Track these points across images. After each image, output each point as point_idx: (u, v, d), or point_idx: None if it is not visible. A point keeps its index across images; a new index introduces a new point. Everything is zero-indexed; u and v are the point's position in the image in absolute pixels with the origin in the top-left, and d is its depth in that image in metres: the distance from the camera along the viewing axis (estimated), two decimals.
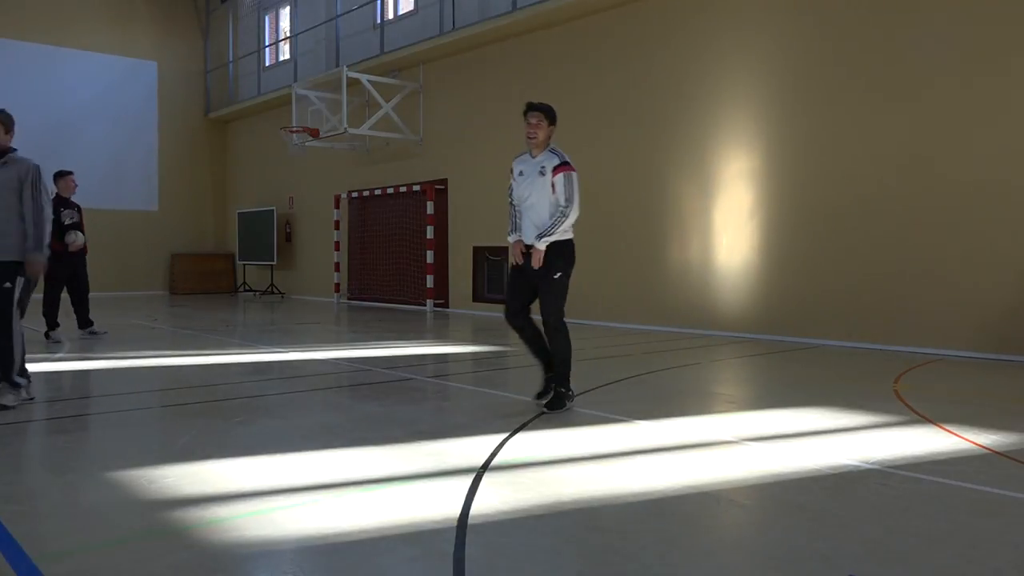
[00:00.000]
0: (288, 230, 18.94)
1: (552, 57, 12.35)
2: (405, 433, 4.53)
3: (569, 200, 5.02)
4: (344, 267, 16.84)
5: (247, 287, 20.13)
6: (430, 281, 14.31)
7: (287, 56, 19.23)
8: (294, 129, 15.35)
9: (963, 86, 8.09)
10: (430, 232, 14.24)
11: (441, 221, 14.32)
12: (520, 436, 4.46)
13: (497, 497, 3.31)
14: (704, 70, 10.34)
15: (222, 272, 20.74)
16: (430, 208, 14.21)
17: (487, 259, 13.58)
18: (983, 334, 7.92)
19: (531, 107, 5.15)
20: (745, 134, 9.92)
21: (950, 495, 3.39)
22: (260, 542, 2.79)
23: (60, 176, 9.48)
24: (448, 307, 14.42)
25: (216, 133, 21.36)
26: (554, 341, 5.22)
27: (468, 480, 3.54)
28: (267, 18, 20.18)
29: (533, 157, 5.16)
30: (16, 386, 5.19)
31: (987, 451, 4.14)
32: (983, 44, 7.98)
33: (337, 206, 16.70)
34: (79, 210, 9.46)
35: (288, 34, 19.35)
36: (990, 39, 7.93)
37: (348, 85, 14.09)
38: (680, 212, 10.62)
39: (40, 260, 5.17)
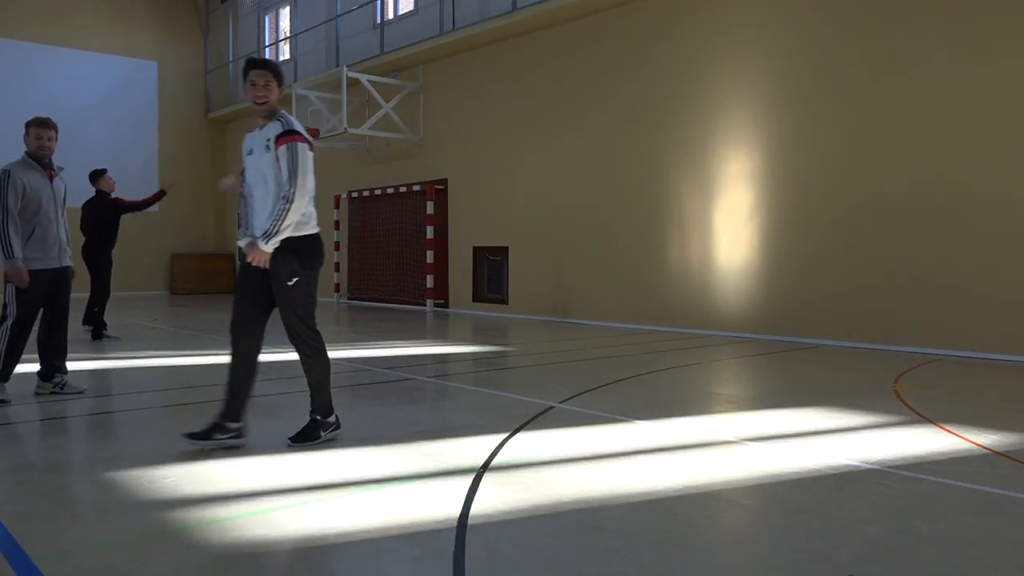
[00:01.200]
0: None
1: (552, 57, 12.35)
2: (405, 433, 4.53)
3: (292, 179, 3.92)
4: (344, 267, 16.85)
5: None
6: (430, 281, 14.31)
7: (287, 56, 19.23)
8: None
9: (964, 86, 8.08)
10: (430, 232, 14.24)
11: (441, 221, 14.32)
12: (520, 436, 4.46)
13: (497, 497, 3.31)
14: (704, 69, 10.35)
15: (222, 272, 20.75)
16: (430, 208, 14.21)
17: (487, 259, 13.59)
18: (983, 334, 7.92)
19: (254, 64, 4.10)
20: (745, 133, 9.92)
21: (950, 495, 3.39)
22: (260, 542, 2.79)
23: (100, 175, 9.46)
24: (448, 307, 14.42)
25: (216, 133, 21.36)
26: (306, 361, 4.27)
27: (468, 480, 3.54)
28: (267, 18, 20.19)
29: (261, 129, 4.14)
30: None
31: (987, 451, 4.14)
32: (986, 44, 7.98)
33: (337, 206, 16.70)
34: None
35: (288, 34, 19.36)
36: (994, 40, 7.93)
37: (348, 85, 14.09)
38: (680, 212, 10.62)
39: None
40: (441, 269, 14.39)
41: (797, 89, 9.43)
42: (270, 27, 20.22)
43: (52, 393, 5.58)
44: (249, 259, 4.00)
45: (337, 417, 4.37)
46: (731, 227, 10.07)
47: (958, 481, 3.58)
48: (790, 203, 9.50)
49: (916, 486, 3.52)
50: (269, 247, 3.95)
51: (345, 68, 14.19)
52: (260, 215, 4.06)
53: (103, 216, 9.40)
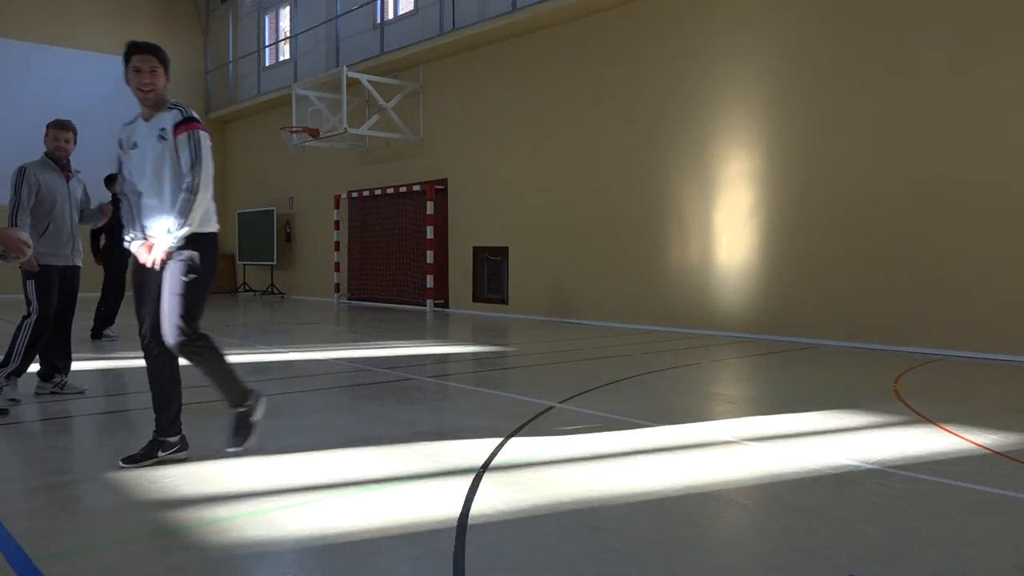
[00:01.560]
0: (288, 230, 18.94)
1: (552, 57, 12.35)
2: (405, 433, 4.52)
3: (196, 169, 3.64)
4: (344, 267, 16.85)
5: (247, 287, 20.13)
6: (430, 281, 14.32)
7: (287, 56, 19.24)
8: (294, 129, 15.36)
9: (963, 86, 8.09)
10: (430, 232, 14.24)
11: (441, 221, 14.33)
12: (520, 436, 4.45)
13: (497, 497, 3.30)
14: (703, 69, 10.35)
15: (222, 272, 20.71)
16: (430, 208, 14.21)
17: (487, 259, 13.59)
18: (983, 334, 7.92)
19: (137, 48, 3.71)
20: (745, 133, 9.92)
21: (950, 495, 3.39)
22: (260, 542, 2.79)
23: (116, 179, 9.66)
24: (448, 307, 14.42)
25: (216, 133, 21.34)
26: (200, 365, 3.78)
27: (468, 480, 3.54)
28: (267, 18, 20.19)
29: (147, 120, 3.77)
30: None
31: (987, 451, 4.14)
32: (987, 45, 7.98)
33: (337, 206, 16.70)
34: None
35: (288, 34, 19.36)
36: (994, 40, 7.93)
37: (348, 85, 14.09)
38: (680, 212, 10.63)
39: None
40: (441, 269, 14.39)
41: (797, 89, 9.43)
42: (270, 27, 20.22)
43: (52, 393, 5.60)
44: (144, 260, 3.70)
45: (255, 391, 3.94)
46: (731, 227, 10.08)
47: (958, 481, 3.58)
48: (790, 203, 9.50)
49: (916, 486, 3.52)
50: (173, 242, 3.63)
51: (345, 68, 14.19)
52: (153, 213, 3.74)
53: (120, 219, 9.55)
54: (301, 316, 13.49)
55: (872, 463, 3.89)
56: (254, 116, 19.96)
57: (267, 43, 20.13)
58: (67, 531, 2.92)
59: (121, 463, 3.75)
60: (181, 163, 3.67)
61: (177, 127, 3.69)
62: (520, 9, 12.11)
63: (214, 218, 3.83)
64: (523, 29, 12.61)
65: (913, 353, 8.21)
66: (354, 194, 16.41)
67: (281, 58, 19.69)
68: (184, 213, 3.62)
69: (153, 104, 3.75)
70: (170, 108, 3.75)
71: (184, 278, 3.65)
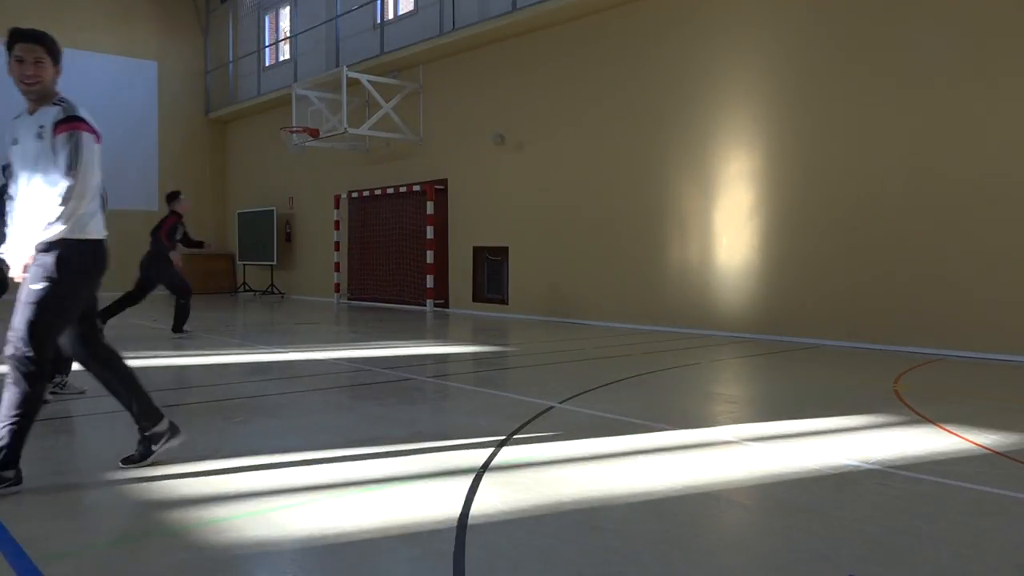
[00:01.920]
0: (288, 230, 18.94)
1: (552, 57, 12.35)
2: (405, 433, 4.52)
3: (71, 172, 3.31)
4: (344, 267, 16.85)
5: (247, 287, 20.13)
6: (430, 281, 14.32)
7: (287, 56, 19.24)
8: (294, 129, 15.36)
9: (963, 86, 8.08)
10: (430, 232, 14.24)
11: (441, 221, 14.32)
12: (520, 436, 4.45)
13: (497, 497, 3.31)
14: (703, 69, 10.35)
15: (222, 272, 20.74)
16: (430, 208, 14.21)
17: (487, 259, 13.59)
18: (983, 334, 7.92)
19: (20, 36, 3.46)
20: (745, 133, 9.92)
21: (950, 495, 3.39)
22: (260, 542, 2.79)
23: (176, 197, 10.15)
24: (448, 307, 14.42)
25: (216, 133, 21.37)
26: (11, 386, 3.36)
27: (468, 480, 3.54)
28: (267, 18, 20.19)
29: (31, 115, 3.47)
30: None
31: (987, 451, 4.14)
32: (985, 44, 7.98)
33: (337, 206, 16.70)
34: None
35: (288, 34, 19.36)
36: (994, 40, 7.93)
37: (348, 85, 14.09)
38: (680, 212, 10.63)
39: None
40: (441, 269, 14.39)
41: (797, 89, 9.43)
42: (270, 27, 20.22)
43: (52, 393, 5.59)
44: (11, 272, 3.43)
45: (18, 477, 3.40)
46: (731, 227, 10.07)
47: (958, 481, 3.58)
48: (790, 203, 9.50)
49: (916, 486, 3.52)
50: (31, 248, 3.35)
51: (345, 68, 14.19)
52: (29, 216, 3.43)
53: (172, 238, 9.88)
54: (301, 316, 13.49)
55: (872, 463, 3.89)
56: (254, 116, 19.96)
57: (267, 43, 20.14)
58: (67, 531, 2.92)
59: (121, 464, 3.76)
60: (59, 164, 3.35)
61: (57, 125, 3.38)
62: (520, 9, 12.11)
63: (92, 224, 3.48)
64: (523, 29, 12.61)
65: (913, 353, 8.21)
66: (354, 194, 16.41)
67: (281, 58, 19.69)
68: (50, 217, 3.31)
69: (37, 98, 3.46)
70: (55, 104, 3.44)
71: (34, 286, 3.33)
